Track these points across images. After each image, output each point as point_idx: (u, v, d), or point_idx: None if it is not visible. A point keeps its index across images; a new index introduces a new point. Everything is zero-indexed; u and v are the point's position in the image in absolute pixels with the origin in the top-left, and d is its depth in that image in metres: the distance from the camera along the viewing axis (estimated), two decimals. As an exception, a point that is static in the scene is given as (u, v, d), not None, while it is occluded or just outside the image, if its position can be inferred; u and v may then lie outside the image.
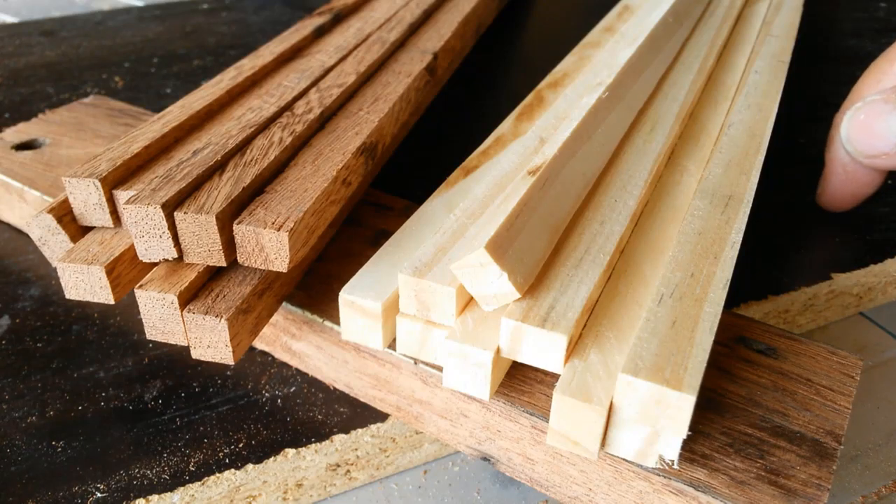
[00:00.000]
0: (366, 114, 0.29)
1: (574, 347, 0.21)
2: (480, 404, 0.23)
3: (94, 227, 0.25)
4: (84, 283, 0.23)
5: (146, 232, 0.22)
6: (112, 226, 0.25)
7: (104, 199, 0.24)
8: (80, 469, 0.24)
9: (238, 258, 0.23)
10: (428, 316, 0.22)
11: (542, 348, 0.20)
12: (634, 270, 0.24)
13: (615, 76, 0.30)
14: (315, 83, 0.31)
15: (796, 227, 0.36)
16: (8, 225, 0.37)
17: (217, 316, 0.22)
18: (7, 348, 0.29)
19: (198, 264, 0.23)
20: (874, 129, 0.25)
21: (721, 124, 0.31)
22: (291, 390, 0.27)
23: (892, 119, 0.25)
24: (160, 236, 0.22)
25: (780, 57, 0.38)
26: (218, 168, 0.24)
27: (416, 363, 0.24)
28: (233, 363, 0.23)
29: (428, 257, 0.22)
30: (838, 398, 0.23)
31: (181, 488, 0.24)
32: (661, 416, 0.19)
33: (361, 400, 0.27)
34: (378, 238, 0.30)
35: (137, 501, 0.23)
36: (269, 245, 0.22)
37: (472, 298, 0.22)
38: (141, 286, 0.22)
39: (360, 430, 0.26)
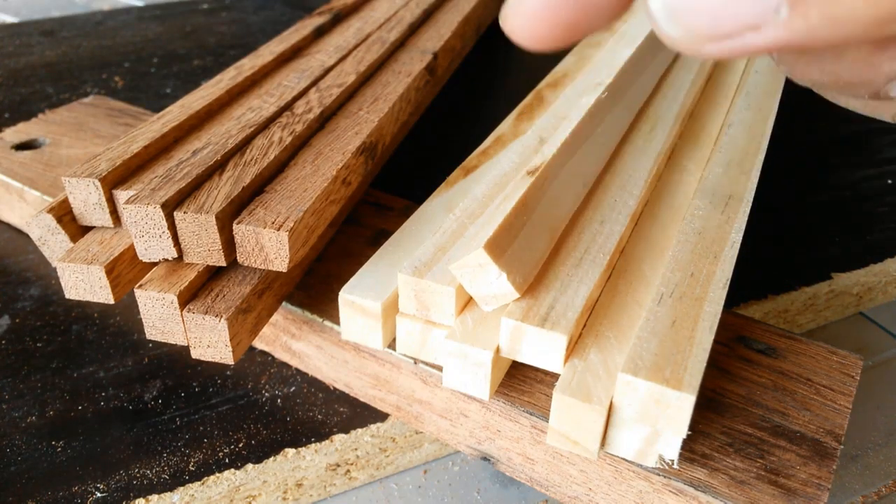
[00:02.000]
0: (366, 113, 0.29)
1: (574, 347, 0.21)
2: (480, 404, 0.23)
3: (94, 227, 0.25)
4: (84, 282, 0.23)
5: (146, 232, 0.22)
6: (112, 226, 0.25)
7: (104, 198, 0.24)
8: (80, 469, 0.24)
9: (238, 258, 0.23)
10: (428, 316, 0.22)
11: (542, 348, 0.20)
12: (634, 270, 0.24)
13: (615, 76, 0.30)
14: (315, 83, 0.31)
15: (796, 227, 0.36)
16: (8, 225, 0.37)
17: (217, 316, 0.22)
18: (7, 348, 0.29)
19: (197, 264, 0.23)
20: None
21: (721, 124, 0.31)
22: (291, 390, 0.27)
23: None
24: (160, 236, 0.22)
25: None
26: (218, 168, 0.24)
27: (415, 363, 0.24)
28: (233, 363, 0.23)
29: (427, 257, 0.22)
30: (838, 398, 0.23)
31: (181, 488, 0.24)
32: (660, 415, 0.19)
33: (361, 400, 0.27)
34: (378, 238, 0.30)
35: (137, 501, 0.23)
36: (269, 245, 0.22)
37: (472, 298, 0.22)
38: (141, 286, 0.22)
39: (360, 430, 0.26)
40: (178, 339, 0.23)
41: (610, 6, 0.15)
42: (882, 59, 0.14)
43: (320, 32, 0.39)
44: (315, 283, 0.27)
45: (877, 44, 0.14)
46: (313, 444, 0.25)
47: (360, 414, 0.27)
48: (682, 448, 0.21)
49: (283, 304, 0.27)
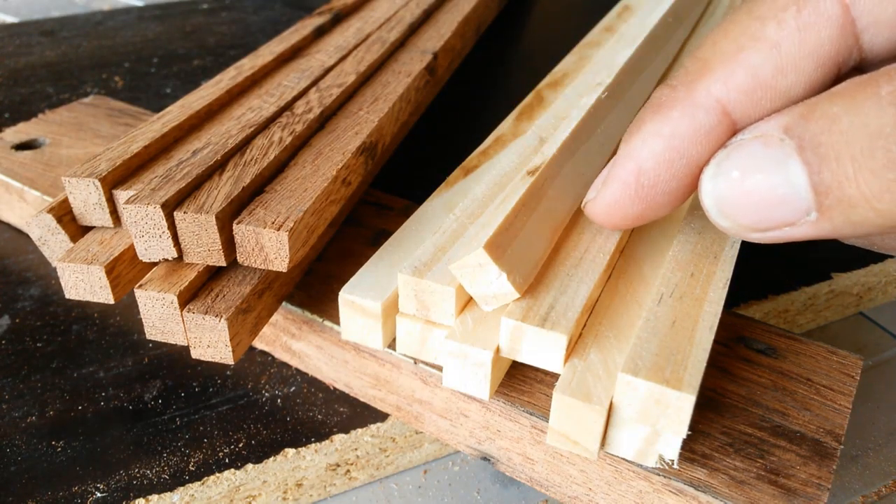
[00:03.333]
0: (366, 113, 0.29)
1: (574, 347, 0.21)
2: (480, 404, 0.23)
3: (94, 227, 0.25)
4: (84, 282, 0.23)
5: (146, 232, 0.22)
6: (112, 226, 0.25)
7: (104, 198, 0.24)
8: (79, 469, 0.24)
9: (238, 258, 0.23)
10: (428, 316, 0.22)
11: (542, 348, 0.20)
12: (634, 270, 0.24)
13: (615, 76, 0.30)
14: (315, 83, 0.31)
15: (796, 226, 0.36)
16: (8, 225, 0.37)
17: (217, 316, 0.22)
18: (7, 348, 0.29)
19: (197, 264, 0.23)
20: (764, 191, 0.15)
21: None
22: (291, 390, 0.27)
23: (793, 168, 0.14)
24: (160, 236, 0.22)
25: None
26: (218, 168, 0.24)
27: (415, 363, 0.24)
28: (233, 363, 0.23)
29: (427, 257, 0.22)
30: (838, 398, 0.23)
31: (181, 488, 0.24)
32: (660, 415, 0.19)
33: (361, 400, 0.27)
34: (378, 238, 0.30)
35: (137, 501, 0.23)
36: (269, 245, 0.22)
37: (472, 298, 0.22)
38: (141, 286, 0.22)
39: (360, 430, 0.26)
40: (178, 339, 0.23)
41: (669, 203, 0.19)
42: None
43: (320, 32, 0.39)
44: (315, 283, 0.27)
45: None
46: (313, 444, 0.25)
47: (360, 414, 0.27)
48: (682, 448, 0.21)
49: (283, 304, 0.27)
